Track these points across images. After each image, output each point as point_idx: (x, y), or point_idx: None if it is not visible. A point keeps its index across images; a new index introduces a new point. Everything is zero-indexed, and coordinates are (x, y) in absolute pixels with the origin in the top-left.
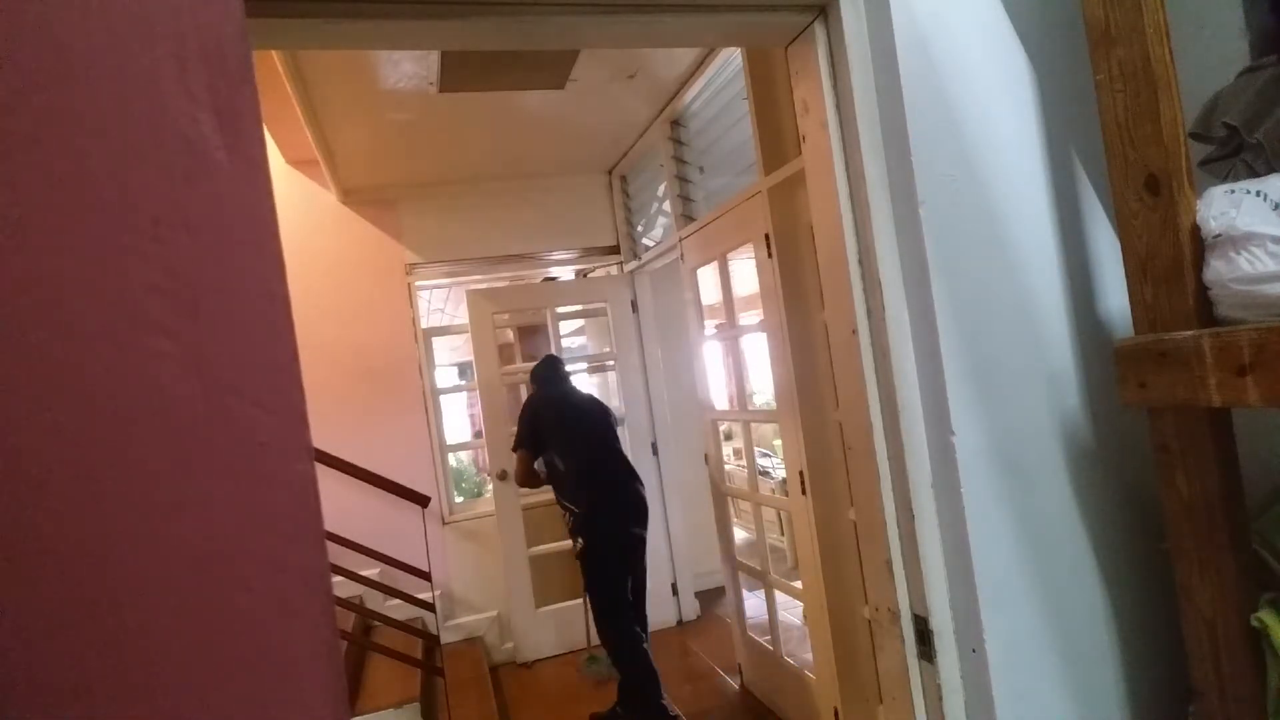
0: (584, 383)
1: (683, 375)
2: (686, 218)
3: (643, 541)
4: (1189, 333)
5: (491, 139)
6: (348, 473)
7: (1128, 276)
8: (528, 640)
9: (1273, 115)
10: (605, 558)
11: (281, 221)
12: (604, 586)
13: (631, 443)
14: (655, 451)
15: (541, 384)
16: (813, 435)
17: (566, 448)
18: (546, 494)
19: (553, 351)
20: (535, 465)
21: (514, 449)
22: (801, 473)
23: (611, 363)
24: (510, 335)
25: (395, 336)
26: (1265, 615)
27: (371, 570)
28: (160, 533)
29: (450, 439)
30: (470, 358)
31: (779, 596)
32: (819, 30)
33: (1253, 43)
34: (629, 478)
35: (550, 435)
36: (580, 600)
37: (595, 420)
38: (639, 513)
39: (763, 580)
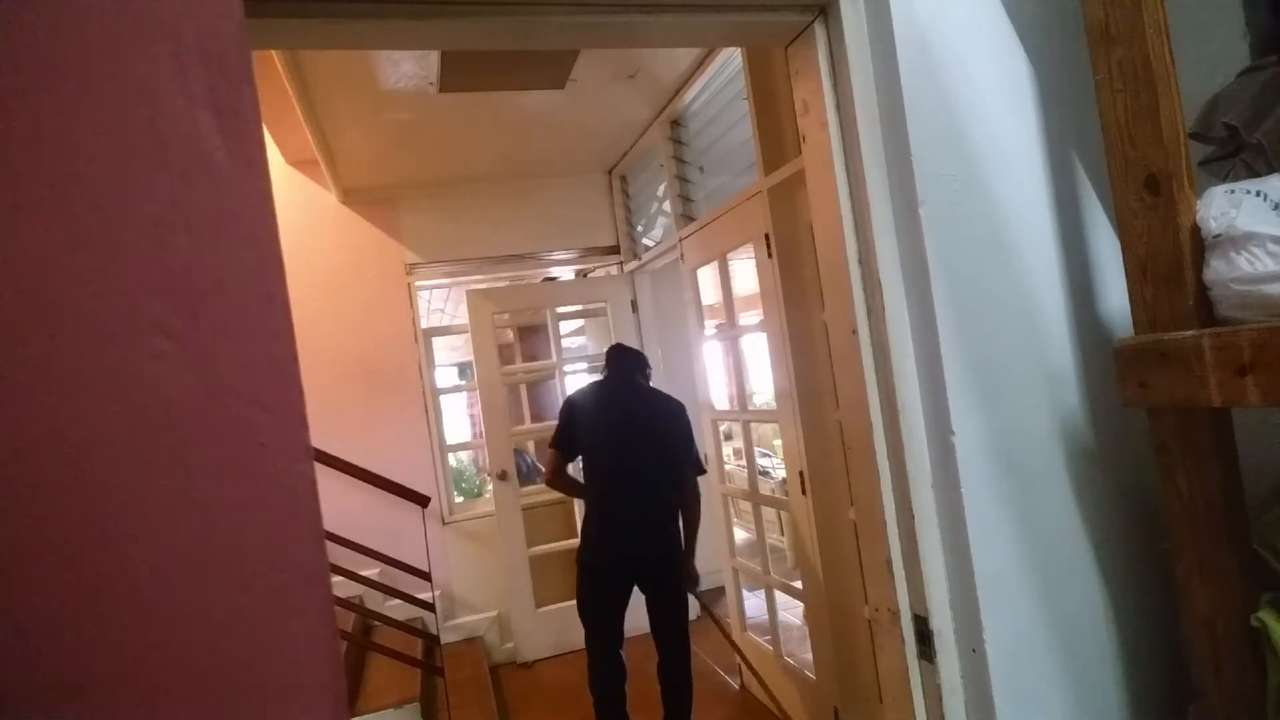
0: (584, 383)
1: (683, 375)
2: (686, 218)
3: (659, 565)
4: (1189, 333)
5: (491, 139)
6: (348, 473)
7: (1128, 276)
8: (528, 640)
9: (1273, 115)
10: (590, 586)
11: (281, 221)
12: (582, 615)
13: None
14: None
15: (604, 372)
16: (813, 435)
17: (592, 450)
18: (548, 494)
19: (619, 344)
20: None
21: (550, 444)
22: (801, 473)
23: None
24: (510, 335)
25: (395, 337)
26: (1265, 615)
27: (371, 570)
28: (160, 533)
29: (450, 439)
30: (470, 358)
31: (779, 596)
32: (819, 30)
33: (1253, 43)
34: (657, 514)
35: (584, 434)
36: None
37: (640, 427)
38: (650, 544)
39: (763, 580)
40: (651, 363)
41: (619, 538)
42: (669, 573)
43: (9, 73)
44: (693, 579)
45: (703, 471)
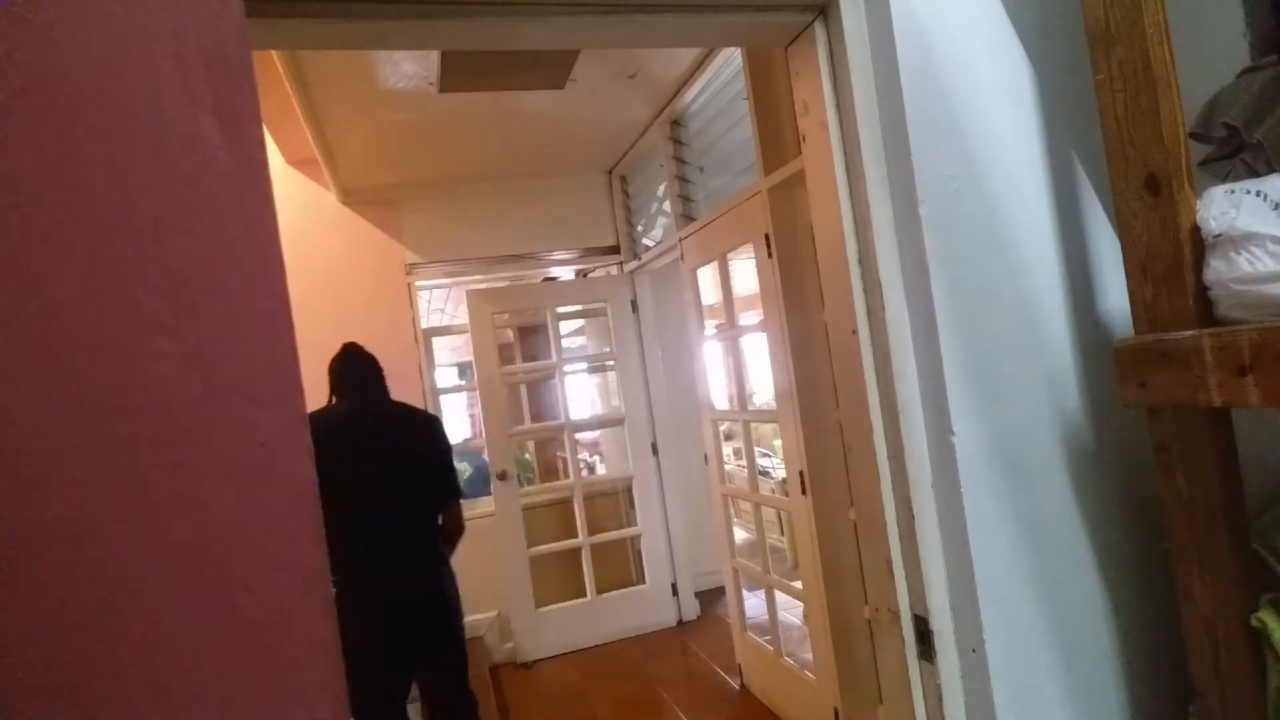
0: (584, 383)
1: (683, 375)
2: (686, 218)
3: (431, 643)
4: (1189, 333)
5: (491, 139)
6: None
7: (1128, 276)
8: (528, 640)
9: (1273, 115)
10: (355, 649)
11: (281, 221)
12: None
13: (631, 443)
14: (655, 451)
15: (333, 392)
16: (813, 435)
17: (339, 502)
18: (548, 494)
19: (350, 345)
20: None
21: None
22: (801, 473)
23: (611, 363)
24: (510, 335)
25: (395, 336)
26: (1265, 615)
27: None
28: (160, 533)
29: (450, 439)
30: (470, 358)
31: (779, 596)
32: (819, 30)
33: (1253, 43)
34: (431, 576)
35: (327, 479)
36: (582, 599)
37: (388, 457)
38: (415, 608)
39: (763, 580)
40: (647, 362)
41: (390, 615)
42: (454, 645)
43: (11, 73)
44: None
45: (461, 496)
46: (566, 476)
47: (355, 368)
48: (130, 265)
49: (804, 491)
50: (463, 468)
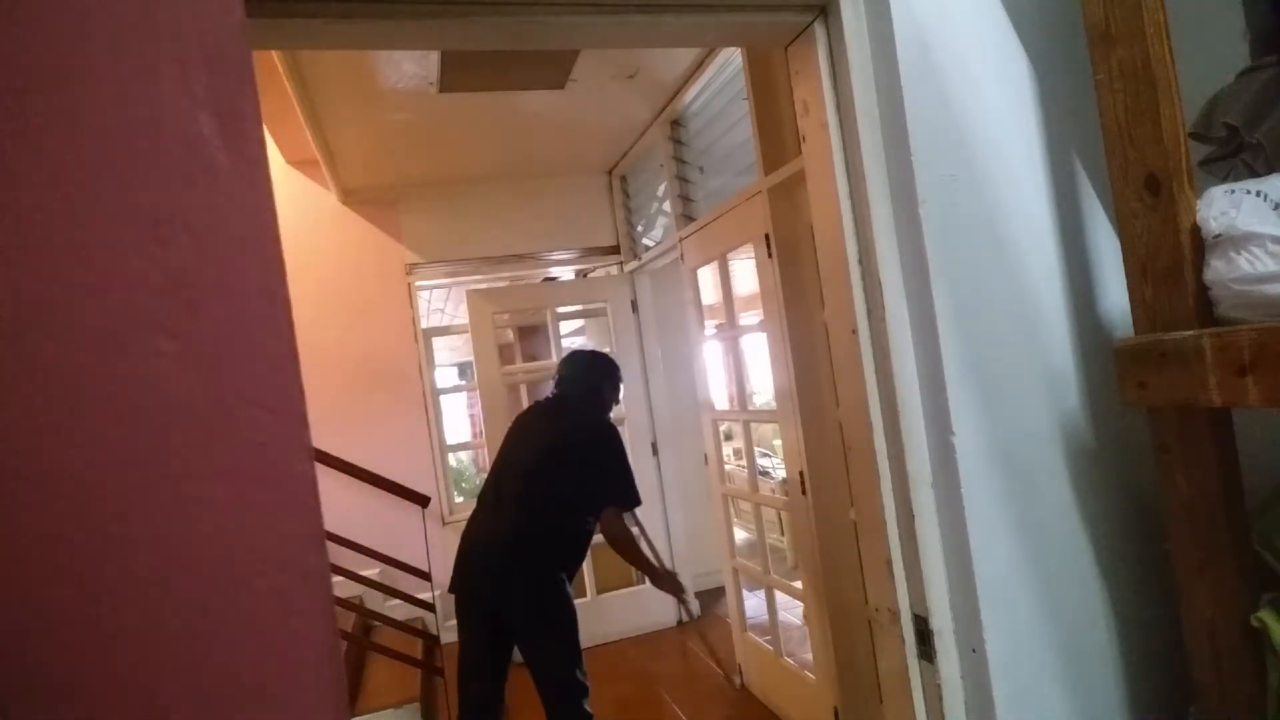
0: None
1: (683, 375)
2: (686, 218)
3: (527, 641)
4: (1189, 333)
5: (491, 139)
6: (348, 473)
7: (1128, 276)
8: None
9: (1273, 115)
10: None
11: (281, 221)
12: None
13: (631, 443)
14: (655, 451)
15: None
16: (813, 435)
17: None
18: None
19: (577, 349)
20: None
21: None
22: (801, 473)
23: None
24: (510, 335)
25: (395, 337)
26: (1265, 615)
27: (371, 570)
28: (160, 532)
29: (450, 439)
30: (470, 358)
31: (779, 596)
32: (819, 30)
33: (1253, 43)
34: (518, 553)
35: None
36: (583, 599)
37: (544, 451)
38: (512, 598)
39: (763, 580)
40: (647, 362)
41: (468, 570)
42: (524, 619)
43: (10, 73)
44: (673, 589)
45: (627, 506)
46: None
47: (568, 366)
48: (130, 265)
49: (804, 491)
50: None
